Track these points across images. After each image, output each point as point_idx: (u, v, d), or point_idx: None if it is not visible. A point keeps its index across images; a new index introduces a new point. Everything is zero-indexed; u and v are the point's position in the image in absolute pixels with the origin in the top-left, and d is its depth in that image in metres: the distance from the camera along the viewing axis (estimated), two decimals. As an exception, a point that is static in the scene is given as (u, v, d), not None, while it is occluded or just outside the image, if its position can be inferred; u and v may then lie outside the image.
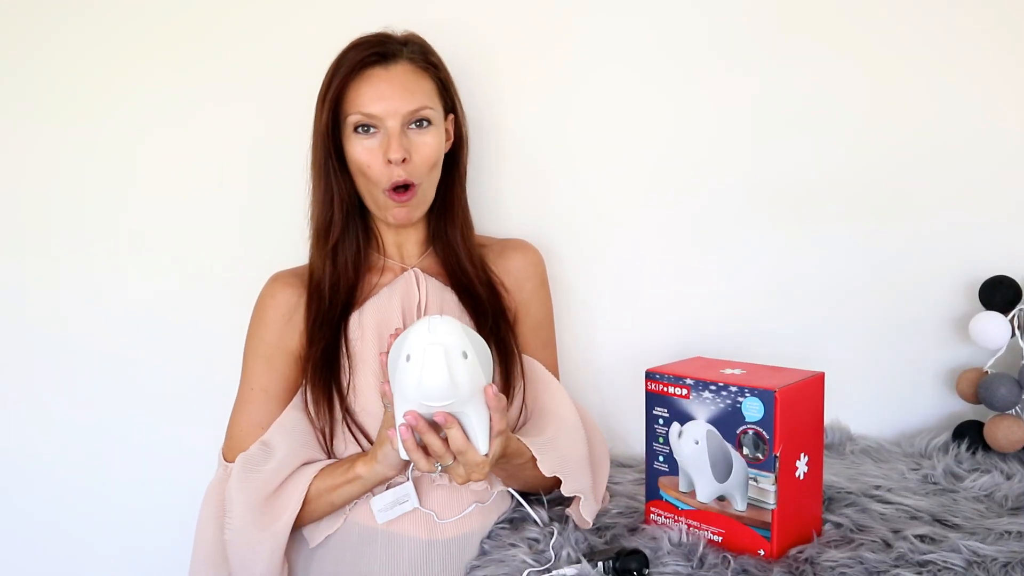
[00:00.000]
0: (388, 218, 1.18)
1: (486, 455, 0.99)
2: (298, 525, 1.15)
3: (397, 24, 1.22)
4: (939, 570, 1.00)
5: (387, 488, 1.13)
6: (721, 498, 1.07)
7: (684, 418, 1.08)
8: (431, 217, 1.25)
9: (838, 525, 1.11)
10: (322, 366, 1.15)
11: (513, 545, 1.10)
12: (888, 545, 1.05)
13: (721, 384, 1.05)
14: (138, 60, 1.37)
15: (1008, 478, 1.27)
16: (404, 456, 1.00)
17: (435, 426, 0.98)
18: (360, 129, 1.15)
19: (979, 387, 1.40)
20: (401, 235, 1.25)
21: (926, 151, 1.47)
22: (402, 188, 1.16)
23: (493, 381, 1.06)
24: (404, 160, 1.14)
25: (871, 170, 1.47)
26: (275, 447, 1.14)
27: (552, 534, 1.11)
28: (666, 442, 1.11)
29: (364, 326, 1.17)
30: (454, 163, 1.25)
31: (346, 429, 1.15)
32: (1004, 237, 1.49)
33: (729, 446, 1.05)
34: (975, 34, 1.46)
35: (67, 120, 1.38)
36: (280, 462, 1.12)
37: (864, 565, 1.01)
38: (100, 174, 1.39)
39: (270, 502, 1.11)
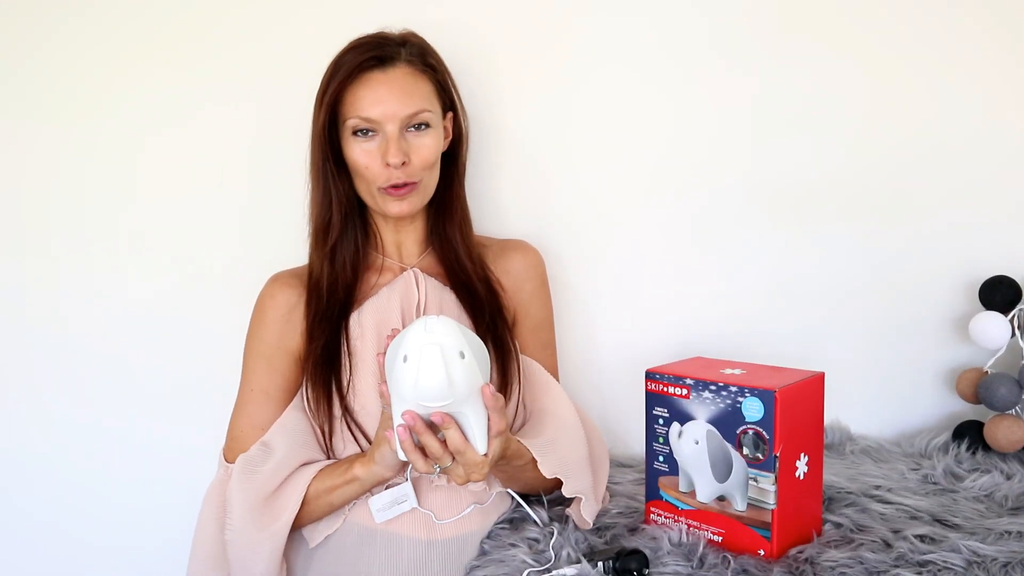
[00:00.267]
0: (388, 211, 1.18)
1: (485, 455, 0.99)
2: (297, 526, 1.15)
3: (397, 24, 1.22)
4: (939, 570, 1.00)
5: (386, 488, 1.13)
6: (721, 498, 1.07)
7: (684, 418, 1.08)
8: (430, 214, 1.25)
9: (838, 525, 1.11)
10: (322, 363, 1.15)
11: (513, 545, 1.10)
12: (888, 545, 1.05)
13: (721, 384, 1.05)
14: (138, 60, 1.37)
15: (1008, 478, 1.27)
16: (402, 457, 1.00)
17: (433, 427, 0.98)
18: (359, 133, 1.15)
19: (979, 387, 1.40)
20: (400, 234, 1.25)
21: (926, 151, 1.47)
22: (401, 185, 1.16)
23: (491, 381, 1.06)
24: (403, 163, 1.14)
25: (871, 170, 1.47)
26: (275, 447, 1.14)
27: (552, 534, 1.11)
28: (666, 442, 1.11)
29: (364, 325, 1.17)
30: (453, 160, 1.25)
31: (345, 428, 1.15)
32: (1004, 237, 1.49)
33: (729, 446, 1.05)
34: (975, 34, 1.46)
35: (67, 120, 1.38)
36: (279, 462, 1.12)
37: (864, 565, 1.01)
38: (100, 174, 1.39)
39: (269, 502, 1.11)
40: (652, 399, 1.12)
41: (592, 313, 1.46)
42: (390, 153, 1.13)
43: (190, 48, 1.37)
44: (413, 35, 1.21)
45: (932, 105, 1.47)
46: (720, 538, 1.07)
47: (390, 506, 1.11)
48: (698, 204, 1.46)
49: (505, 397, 1.17)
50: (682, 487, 1.10)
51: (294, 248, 1.27)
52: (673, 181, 1.45)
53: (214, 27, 1.37)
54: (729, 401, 1.04)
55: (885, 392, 1.51)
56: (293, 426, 1.16)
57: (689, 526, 1.10)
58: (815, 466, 1.08)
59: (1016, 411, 1.39)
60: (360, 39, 1.18)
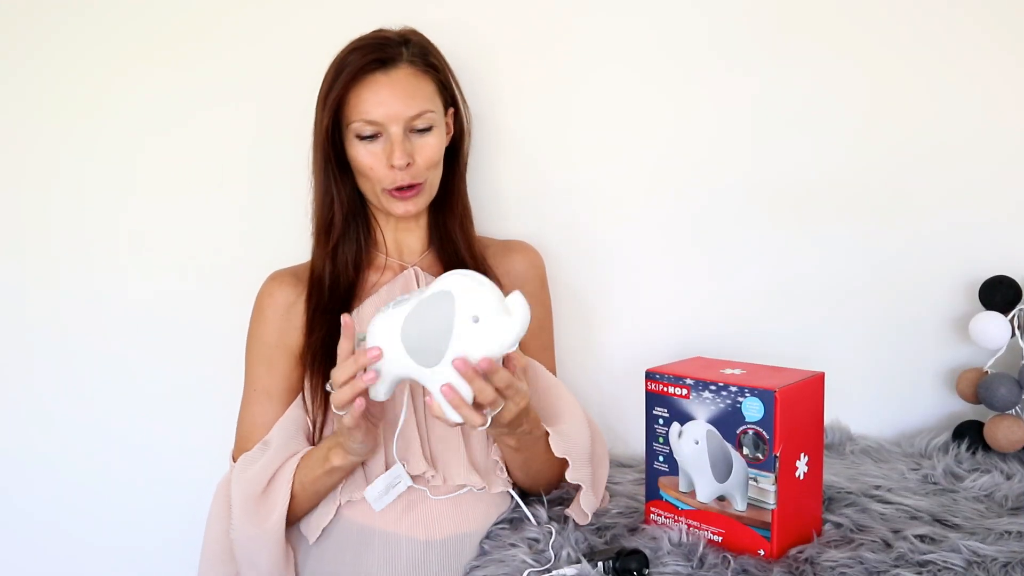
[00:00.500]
0: (393, 212, 1.19)
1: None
2: (293, 518, 1.15)
3: (397, 24, 1.22)
4: (939, 570, 1.00)
5: (377, 477, 1.13)
6: (721, 498, 1.07)
7: (684, 418, 1.08)
8: (431, 211, 1.26)
9: (838, 525, 1.11)
10: (321, 355, 1.15)
11: (513, 545, 1.10)
12: (888, 545, 1.05)
13: (721, 384, 1.05)
14: (138, 60, 1.37)
15: (1008, 478, 1.27)
16: (453, 418, 0.97)
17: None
18: (363, 134, 1.15)
19: (979, 387, 1.40)
20: (402, 232, 1.25)
21: (926, 151, 1.47)
22: (406, 188, 1.17)
23: None
24: (408, 164, 1.14)
25: (871, 170, 1.47)
26: (271, 443, 1.15)
27: (552, 534, 1.11)
28: (666, 442, 1.11)
29: (363, 322, 1.18)
30: (454, 156, 1.26)
31: (337, 420, 1.15)
32: (1004, 237, 1.49)
33: (729, 446, 1.04)
34: (975, 34, 1.46)
35: (67, 120, 1.38)
36: (270, 457, 1.13)
37: (864, 565, 1.01)
38: (100, 174, 1.39)
39: (262, 498, 1.12)
40: (652, 399, 1.12)
41: (592, 313, 1.46)
42: (395, 155, 1.13)
43: (190, 48, 1.37)
44: (414, 33, 1.21)
45: (932, 105, 1.47)
46: (720, 538, 1.07)
47: (385, 491, 1.11)
48: (698, 204, 1.46)
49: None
50: (682, 487, 1.10)
51: (294, 248, 1.28)
52: (673, 181, 1.45)
53: (214, 27, 1.37)
54: (729, 401, 1.04)
55: (885, 392, 1.51)
56: (290, 422, 1.17)
57: (689, 526, 1.10)
58: (815, 466, 1.08)
59: (1016, 411, 1.39)
60: (361, 40, 1.18)
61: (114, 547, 1.45)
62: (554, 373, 1.32)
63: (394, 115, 1.14)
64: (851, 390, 1.48)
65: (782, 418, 1.01)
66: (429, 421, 1.16)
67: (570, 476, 1.10)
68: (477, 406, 0.98)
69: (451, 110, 1.24)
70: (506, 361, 0.99)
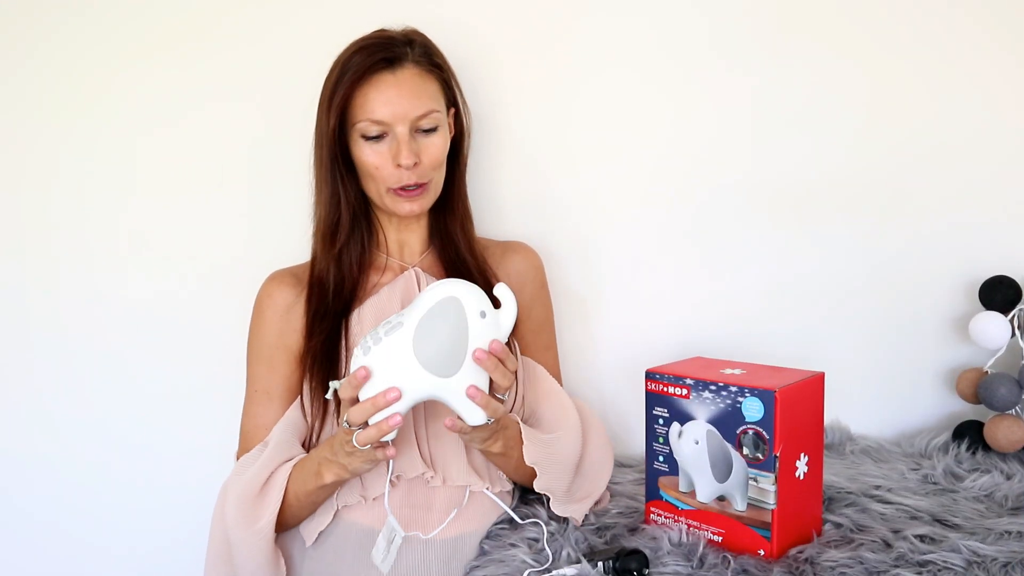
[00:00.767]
0: (399, 211, 1.19)
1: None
2: (291, 525, 1.16)
3: (398, 24, 1.22)
4: (939, 570, 1.00)
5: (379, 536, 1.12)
6: (721, 498, 1.07)
7: (684, 418, 1.08)
8: (432, 211, 1.25)
9: (838, 525, 1.11)
10: (321, 358, 1.15)
11: (513, 545, 1.10)
12: (888, 545, 1.05)
13: (721, 384, 1.05)
14: (138, 60, 1.37)
15: (1008, 478, 1.27)
16: (481, 420, 1.00)
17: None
18: (369, 134, 1.15)
19: (979, 387, 1.40)
20: (404, 232, 1.25)
21: (926, 151, 1.47)
22: (412, 187, 1.17)
23: None
24: (415, 164, 1.14)
25: (871, 170, 1.47)
26: (269, 444, 1.15)
27: (547, 534, 1.11)
28: (666, 442, 1.11)
29: (364, 323, 1.18)
30: (455, 156, 1.26)
31: (335, 425, 1.15)
32: (1004, 237, 1.49)
33: (729, 446, 1.04)
34: (975, 34, 1.46)
35: (67, 120, 1.38)
36: (263, 462, 1.13)
37: (864, 565, 1.01)
38: (100, 174, 1.39)
39: (256, 500, 1.11)
40: (652, 399, 1.12)
41: (592, 313, 1.46)
42: (402, 155, 1.13)
43: (190, 48, 1.37)
44: (416, 33, 1.21)
45: (932, 105, 1.47)
46: (720, 538, 1.07)
47: (387, 550, 1.10)
48: (698, 204, 1.46)
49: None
50: (682, 487, 1.10)
51: (295, 247, 1.27)
52: (673, 181, 1.45)
53: (214, 27, 1.37)
54: (729, 401, 1.04)
55: (885, 392, 1.51)
56: (287, 423, 1.17)
57: (689, 526, 1.10)
58: (815, 466, 1.08)
59: (1016, 411, 1.39)
60: (365, 40, 1.17)
61: (114, 547, 1.44)
62: (558, 373, 1.32)
63: (401, 115, 1.14)
64: (851, 390, 1.48)
65: (782, 418, 1.01)
66: (428, 422, 1.16)
67: (537, 485, 1.11)
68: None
69: (452, 110, 1.24)
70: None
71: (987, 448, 1.39)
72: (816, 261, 1.48)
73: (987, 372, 1.41)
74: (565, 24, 1.41)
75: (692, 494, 1.09)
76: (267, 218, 1.40)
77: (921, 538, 1.06)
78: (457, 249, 1.24)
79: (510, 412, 1.19)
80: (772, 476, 1.02)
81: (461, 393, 0.99)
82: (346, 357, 1.16)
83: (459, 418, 1.02)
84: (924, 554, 1.02)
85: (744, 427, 1.03)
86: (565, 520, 1.15)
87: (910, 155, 1.47)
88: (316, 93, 1.19)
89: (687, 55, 1.43)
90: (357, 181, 1.20)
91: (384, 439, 1.00)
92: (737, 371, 1.09)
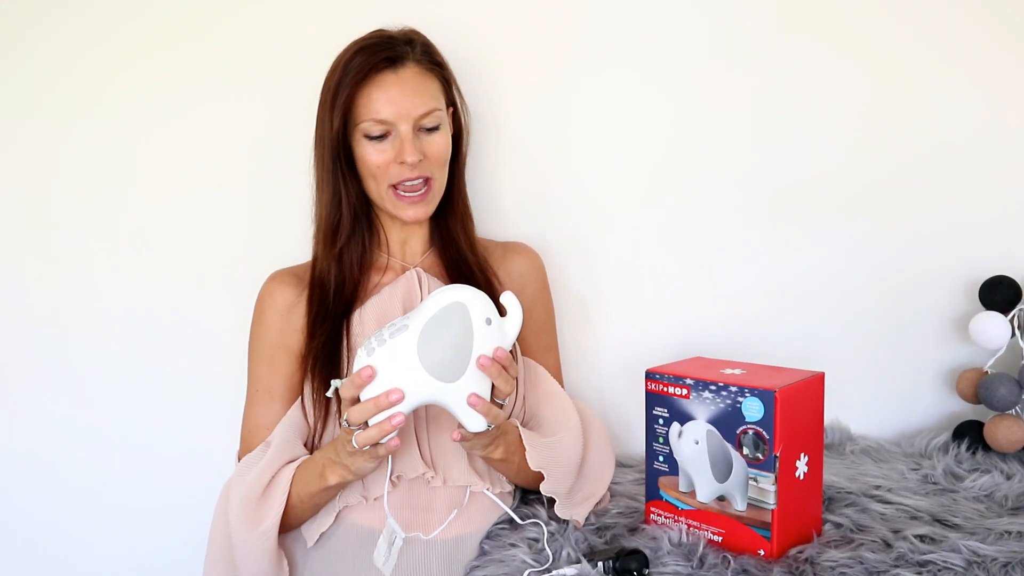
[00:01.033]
0: (403, 217, 1.19)
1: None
2: (294, 526, 1.15)
3: (397, 24, 1.22)
4: (939, 570, 1.00)
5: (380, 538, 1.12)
6: (721, 498, 1.07)
7: (684, 418, 1.08)
8: (434, 211, 1.25)
9: (838, 525, 1.11)
10: (323, 359, 1.15)
11: (513, 545, 1.10)
12: (888, 545, 1.05)
13: (721, 384, 1.05)
14: (138, 60, 1.37)
15: (1008, 478, 1.27)
16: (482, 427, 1.00)
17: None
18: (372, 134, 1.15)
19: (979, 387, 1.40)
20: (405, 232, 1.25)
21: (926, 151, 1.47)
22: (418, 188, 1.16)
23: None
24: (419, 161, 1.15)
25: (871, 170, 1.47)
26: (271, 446, 1.15)
27: (547, 534, 1.11)
28: (666, 442, 1.11)
29: (365, 324, 1.17)
30: (454, 154, 1.26)
31: (337, 426, 1.15)
32: (1004, 237, 1.49)
33: (729, 446, 1.04)
34: (975, 34, 1.46)
35: (67, 120, 1.38)
36: (266, 463, 1.12)
37: (864, 565, 1.01)
38: (100, 174, 1.39)
39: (259, 502, 1.11)
40: (652, 399, 1.12)
41: (592, 313, 1.46)
42: (407, 152, 1.14)
43: (190, 48, 1.37)
44: (415, 32, 1.21)
45: (932, 105, 1.47)
46: (720, 538, 1.07)
47: (388, 552, 1.10)
48: (698, 204, 1.46)
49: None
50: (682, 487, 1.10)
51: (296, 247, 1.27)
52: (673, 181, 1.45)
53: (214, 27, 1.37)
54: (729, 401, 1.04)
55: (885, 392, 1.51)
56: (289, 423, 1.16)
57: (689, 526, 1.10)
58: (815, 466, 1.08)
59: (1016, 411, 1.39)
60: (365, 40, 1.17)
61: (114, 547, 1.44)
62: (559, 373, 1.32)
63: (405, 114, 1.14)
64: (851, 390, 1.48)
65: (782, 418, 1.01)
66: (429, 422, 1.16)
67: (544, 488, 1.11)
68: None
69: (451, 109, 1.24)
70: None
71: (987, 448, 1.39)
72: (816, 261, 1.48)
73: (987, 372, 1.41)
74: (565, 24, 1.41)
75: (692, 494, 1.09)
76: (267, 218, 1.40)
77: (921, 538, 1.06)
78: (458, 248, 1.24)
79: (510, 416, 1.19)
80: (772, 476, 1.02)
81: (463, 399, 0.99)
82: (347, 358, 1.16)
83: (460, 426, 1.02)
84: (924, 554, 1.02)
85: (744, 427, 1.03)
86: (565, 520, 1.15)
87: (910, 155, 1.47)
88: (316, 93, 1.19)
89: (687, 55, 1.43)
90: (359, 181, 1.20)
91: (383, 440, 1.00)
92: (737, 371, 1.09)
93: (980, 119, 1.47)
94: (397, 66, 1.15)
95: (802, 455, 1.06)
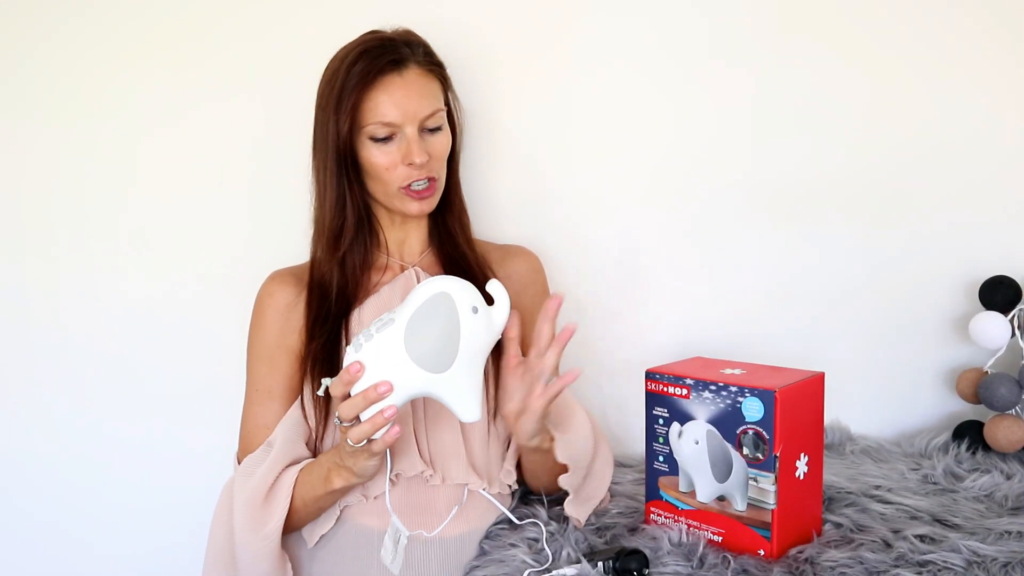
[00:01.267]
0: (409, 211, 1.18)
1: None
2: (296, 527, 1.15)
3: (394, 24, 1.22)
4: (939, 570, 1.00)
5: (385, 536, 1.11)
6: (721, 498, 1.07)
7: (684, 418, 1.08)
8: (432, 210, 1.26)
9: (838, 525, 1.11)
10: (322, 361, 1.15)
11: (513, 545, 1.10)
12: (888, 545, 1.05)
13: (721, 384, 1.05)
14: (138, 60, 1.37)
15: (1008, 478, 1.27)
16: (471, 418, 1.01)
17: None
18: (378, 136, 1.15)
19: (979, 387, 1.40)
20: (403, 231, 1.25)
21: (926, 151, 1.47)
22: (424, 187, 1.17)
23: (488, 371, 1.15)
24: (426, 161, 1.15)
25: (871, 170, 1.47)
26: (273, 446, 1.15)
27: (547, 534, 1.11)
28: (666, 442, 1.11)
29: (364, 324, 1.17)
30: (450, 153, 1.26)
31: (337, 430, 1.14)
32: (1004, 237, 1.49)
33: (729, 446, 1.04)
34: (975, 34, 1.46)
35: (67, 120, 1.38)
36: (270, 464, 1.12)
37: (864, 565, 1.01)
38: (100, 174, 1.39)
39: (263, 504, 1.11)
40: (652, 399, 1.12)
41: (591, 313, 1.46)
42: (414, 153, 1.14)
43: (190, 48, 1.37)
44: (410, 32, 1.21)
45: (932, 105, 1.47)
46: (720, 538, 1.07)
47: (395, 551, 1.09)
48: (698, 204, 1.46)
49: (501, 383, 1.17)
50: (682, 487, 1.10)
51: (295, 247, 1.27)
52: (673, 181, 1.45)
53: (214, 27, 1.37)
54: (729, 401, 1.04)
55: (885, 392, 1.51)
56: (292, 423, 1.16)
57: (689, 526, 1.10)
58: (815, 466, 1.08)
59: (1016, 411, 1.39)
60: (365, 44, 1.16)
61: (114, 547, 1.44)
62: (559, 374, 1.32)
63: (411, 115, 1.14)
64: (851, 390, 1.48)
65: (782, 418, 1.01)
66: (428, 421, 1.16)
67: (563, 481, 1.11)
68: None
69: (446, 108, 1.24)
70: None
71: (987, 448, 1.39)
72: (816, 261, 1.48)
73: (987, 372, 1.41)
74: (565, 24, 1.41)
75: (692, 494, 1.09)
76: (267, 218, 1.40)
77: (921, 538, 1.06)
78: (456, 245, 1.24)
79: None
80: (772, 476, 1.02)
81: (454, 389, 0.99)
82: None
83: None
84: (924, 554, 1.02)
85: (744, 427, 1.03)
86: (565, 520, 1.15)
87: (910, 155, 1.47)
88: (316, 93, 1.19)
89: (687, 55, 1.43)
90: (363, 184, 1.20)
91: (376, 435, 0.98)
92: (737, 371, 1.09)
93: (980, 119, 1.47)
94: (401, 68, 1.15)
95: (802, 455, 1.06)
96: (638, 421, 1.19)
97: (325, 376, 1.13)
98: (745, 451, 1.03)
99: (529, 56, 1.41)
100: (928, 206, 1.48)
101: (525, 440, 1.09)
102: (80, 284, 1.40)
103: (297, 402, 1.18)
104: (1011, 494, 1.21)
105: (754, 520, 1.04)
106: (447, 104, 1.24)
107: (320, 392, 1.03)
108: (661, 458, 1.12)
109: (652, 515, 1.14)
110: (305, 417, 1.16)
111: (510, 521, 1.16)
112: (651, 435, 1.12)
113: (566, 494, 1.13)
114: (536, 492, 1.22)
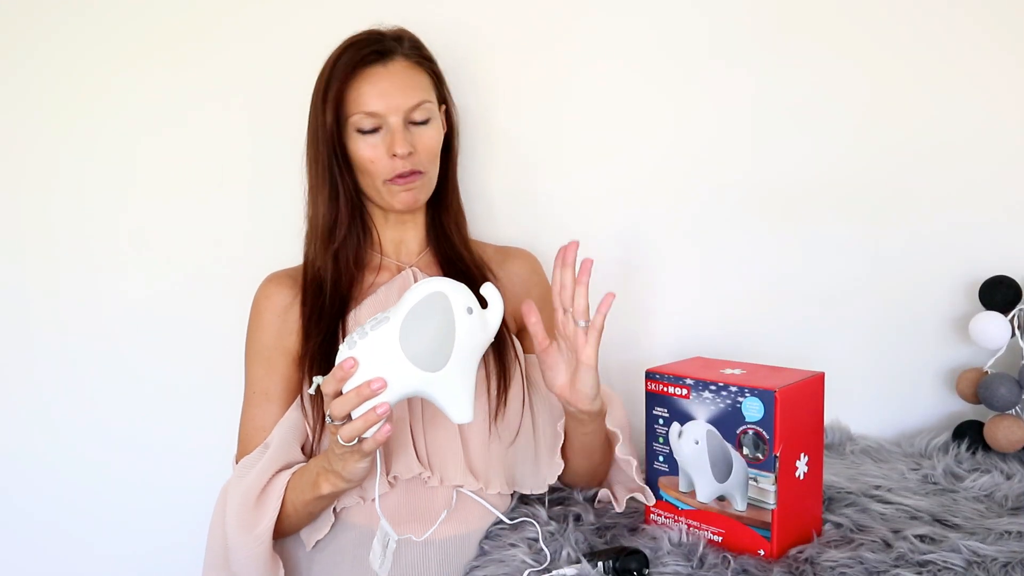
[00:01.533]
0: (395, 204, 1.18)
1: None
2: (290, 532, 1.15)
3: (393, 24, 1.22)
4: (939, 570, 1.00)
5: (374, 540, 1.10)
6: (721, 498, 1.07)
7: (684, 418, 1.08)
8: (427, 209, 1.25)
9: (838, 525, 1.11)
10: (320, 360, 1.15)
11: (513, 545, 1.10)
12: (888, 545, 1.05)
13: (721, 384, 1.05)
14: (138, 60, 1.37)
15: (1008, 478, 1.27)
16: (463, 419, 1.01)
17: None
18: (364, 127, 1.15)
19: (979, 387, 1.40)
20: (399, 231, 1.25)
21: (926, 151, 1.47)
22: (407, 174, 1.16)
23: (489, 372, 1.17)
24: (410, 154, 1.15)
25: (871, 170, 1.47)
26: (269, 448, 1.15)
27: (551, 534, 1.11)
28: (666, 442, 1.11)
29: (361, 324, 1.17)
30: (447, 153, 1.26)
31: (333, 447, 1.14)
32: (1004, 237, 1.49)
33: (729, 446, 1.04)
34: (975, 34, 1.46)
35: (67, 120, 1.38)
36: (263, 466, 1.12)
37: (864, 565, 1.01)
38: (100, 174, 1.39)
39: (255, 506, 1.10)
40: (652, 399, 1.12)
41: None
42: (397, 144, 1.14)
43: (190, 48, 1.37)
44: (405, 31, 1.21)
45: (932, 105, 1.47)
46: (720, 538, 1.07)
47: (383, 554, 1.07)
48: (698, 204, 1.46)
49: (504, 386, 1.17)
50: (682, 487, 1.10)
51: (294, 247, 1.27)
52: (673, 181, 1.45)
53: (214, 27, 1.37)
54: (729, 401, 1.04)
55: (885, 392, 1.51)
56: (288, 425, 1.16)
57: (689, 526, 1.10)
58: (815, 466, 1.08)
59: (1016, 411, 1.39)
60: (355, 37, 1.18)
61: (114, 547, 1.44)
62: None
63: (394, 106, 1.15)
64: (851, 390, 1.48)
65: (782, 418, 1.01)
66: (426, 422, 1.16)
67: (620, 452, 1.13)
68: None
69: (443, 106, 1.24)
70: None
71: (987, 448, 1.39)
72: (816, 261, 1.48)
73: (987, 372, 1.41)
74: (565, 24, 1.41)
75: (692, 494, 1.09)
76: (267, 218, 1.40)
77: (921, 538, 1.06)
78: (453, 246, 1.24)
79: (519, 420, 1.19)
80: (772, 476, 1.02)
81: (447, 389, 0.99)
82: None
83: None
84: (924, 554, 1.02)
85: (744, 427, 1.03)
86: (564, 520, 1.15)
87: (910, 155, 1.47)
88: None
89: (687, 55, 1.43)
90: (353, 177, 1.20)
91: (368, 433, 0.97)
92: (737, 371, 1.09)
93: (980, 119, 1.47)
94: (386, 60, 1.16)
95: (802, 455, 1.06)
96: (638, 421, 1.18)
97: (323, 371, 1.13)
98: (745, 451, 1.03)
99: (529, 56, 1.41)
100: (928, 206, 1.48)
101: (588, 402, 1.08)
102: (80, 284, 1.40)
103: (296, 404, 1.18)
104: (1011, 494, 1.21)
105: (754, 520, 1.04)
106: (442, 101, 1.24)
107: (311, 390, 1.02)
108: (661, 458, 1.12)
109: (652, 515, 1.14)
110: (304, 416, 1.16)
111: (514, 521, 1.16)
112: (651, 435, 1.12)
113: (568, 493, 1.13)
114: (582, 485, 1.22)
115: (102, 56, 1.37)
